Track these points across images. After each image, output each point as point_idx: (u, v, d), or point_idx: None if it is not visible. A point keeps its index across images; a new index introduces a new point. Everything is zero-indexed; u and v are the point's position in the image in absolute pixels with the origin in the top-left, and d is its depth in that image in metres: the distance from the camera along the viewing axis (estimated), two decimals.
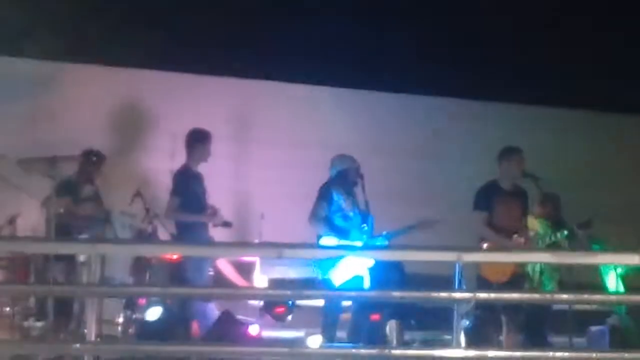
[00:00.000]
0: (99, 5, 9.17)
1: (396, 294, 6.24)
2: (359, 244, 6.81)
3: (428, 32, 9.61)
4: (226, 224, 7.28)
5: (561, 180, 7.69)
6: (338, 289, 6.61)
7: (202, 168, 7.26)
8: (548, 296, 6.35)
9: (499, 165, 6.89)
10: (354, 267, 6.62)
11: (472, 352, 6.15)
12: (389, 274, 6.58)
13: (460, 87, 9.32)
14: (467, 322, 6.38)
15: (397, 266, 6.71)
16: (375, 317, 6.65)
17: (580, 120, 9.71)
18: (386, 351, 6.15)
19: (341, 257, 6.43)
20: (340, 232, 6.89)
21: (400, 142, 9.15)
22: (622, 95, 9.43)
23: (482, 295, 6.21)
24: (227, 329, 6.58)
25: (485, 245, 6.41)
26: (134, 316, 6.87)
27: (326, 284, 6.73)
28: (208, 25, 9.19)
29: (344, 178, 7.07)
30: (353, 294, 6.43)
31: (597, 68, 9.62)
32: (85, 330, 6.05)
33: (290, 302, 6.91)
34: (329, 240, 6.86)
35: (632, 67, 9.36)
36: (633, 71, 9.42)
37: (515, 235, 6.64)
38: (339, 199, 6.96)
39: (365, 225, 6.87)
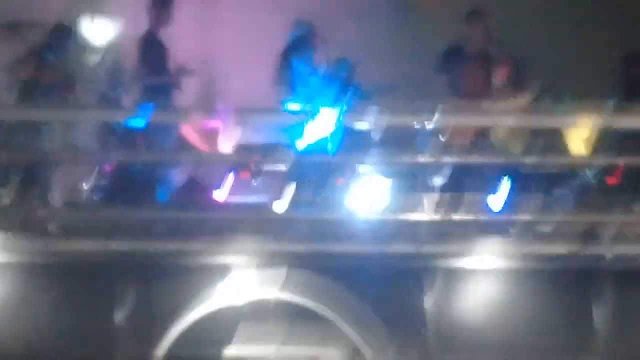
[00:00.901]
0: None
1: (359, 158, 6.35)
2: (324, 108, 6.76)
3: None
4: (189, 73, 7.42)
5: (529, 42, 7.59)
6: (303, 153, 6.68)
7: (167, 32, 7.21)
8: (512, 158, 6.49)
9: (465, 27, 6.84)
10: (318, 130, 6.63)
11: (436, 216, 6.37)
12: (353, 137, 6.58)
13: None
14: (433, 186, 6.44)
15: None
16: (339, 180, 6.74)
17: None
18: (351, 215, 6.37)
19: (306, 121, 6.47)
20: (303, 97, 6.88)
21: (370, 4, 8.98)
22: None
23: (447, 158, 6.34)
24: (192, 195, 6.76)
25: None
26: (100, 183, 6.95)
27: (291, 149, 6.77)
28: None
29: (302, 43, 7.07)
30: (317, 158, 6.57)
31: None
32: (51, 197, 6.47)
33: (255, 167, 6.95)
34: (292, 105, 6.90)
35: None
36: None
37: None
38: (298, 64, 6.96)
39: (332, 89, 6.87)
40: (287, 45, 7.21)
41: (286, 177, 6.90)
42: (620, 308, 6.41)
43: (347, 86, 7.09)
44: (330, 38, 7.26)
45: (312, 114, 6.66)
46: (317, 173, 6.91)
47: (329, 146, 6.77)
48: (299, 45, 7.16)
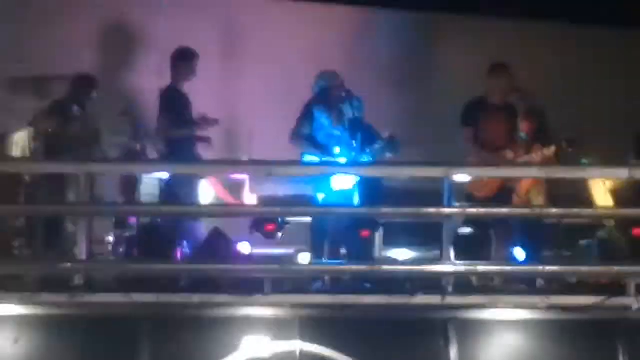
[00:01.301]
0: None
1: (386, 210, 6.46)
2: (343, 160, 7.01)
3: None
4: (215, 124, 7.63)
5: (552, 95, 7.82)
6: (327, 205, 6.82)
7: (190, 86, 7.42)
8: (537, 210, 6.61)
9: (487, 81, 7.06)
10: (342, 183, 6.82)
11: (461, 267, 6.43)
12: (375, 190, 6.70)
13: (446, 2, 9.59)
14: (457, 238, 6.60)
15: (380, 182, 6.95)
16: (364, 233, 6.88)
17: (567, 35, 9.85)
18: (376, 267, 6.45)
19: (331, 174, 6.58)
20: (324, 150, 7.05)
21: (389, 58, 9.36)
22: (603, 8, 9.63)
23: (472, 210, 6.49)
24: (216, 247, 6.91)
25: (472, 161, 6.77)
26: (124, 235, 7.14)
27: (315, 201, 6.98)
28: None
29: (326, 95, 7.22)
30: (342, 210, 6.72)
31: None
32: (76, 250, 6.47)
33: (279, 220, 7.11)
34: (310, 158, 7.08)
35: None
36: None
37: (508, 151, 6.83)
38: (321, 116, 7.10)
39: (354, 141, 7.03)
40: (312, 95, 7.35)
41: (311, 229, 7.05)
42: None
43: (363, 129, 7.25)
44: (353, 91, 7.43)
45: (336, 166, 6.81)
46: (342, 225, 7.02)
47: (354, 198, 6.95)
48: (323, 95, 7.27)
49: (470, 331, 6.46)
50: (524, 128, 7.19)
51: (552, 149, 6.91)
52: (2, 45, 8.42)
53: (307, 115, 7.16)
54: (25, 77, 7.44)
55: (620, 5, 9.71)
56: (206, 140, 7.66)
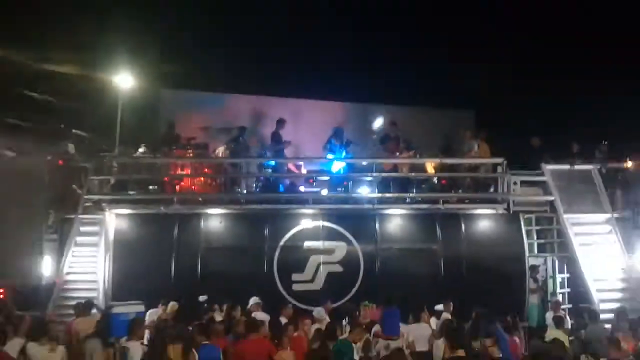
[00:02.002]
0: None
1: (352, 174, 13.57)
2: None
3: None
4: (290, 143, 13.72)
5: None
6: (333, 173, 13.81)
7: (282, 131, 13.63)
8: (403, 175, 13.85)
9: (388, 127, 14.01)
10: (338, 165, 13.53)
11: (379, 195, 13.26)
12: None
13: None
14: None
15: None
16: (345, 183, 13.47)
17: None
18: (349, 195, 13.31)
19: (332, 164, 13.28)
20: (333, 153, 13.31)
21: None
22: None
23: (381, 174, 13.57)
24: (292, 188, 13.59)
25: None
26: (258, 185, 13.47)
27: (330, 172, 13.67)
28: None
29: (336, 135, 13.25)
30: (338, 175, 13.73)
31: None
32: (243, 190, 13.37)
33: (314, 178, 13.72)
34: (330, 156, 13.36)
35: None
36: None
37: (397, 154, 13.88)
38: (333, 144, 13.19)
39: (344, 151, 13.27)
40: (330, 136, 13.41)
41: (327, 182, 13.48)
42: (445, 228, 12.46)
43: (343, 143, 13.08)
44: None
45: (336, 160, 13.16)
46: (339, 180, 13.09)
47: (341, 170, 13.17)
48: (335, 136, 13.31)
49: (384, 218, 12.41)
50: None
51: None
52: (214, 117, 15.77)
53: (327, 144, 13.14)
54: (223, 127, 14.33)
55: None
56: (289, 142, 13.42)
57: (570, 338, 9.27)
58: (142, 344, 8.09)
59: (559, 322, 9.68)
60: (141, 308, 9.10)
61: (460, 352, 6.16)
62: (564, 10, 17.87)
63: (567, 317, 10.74)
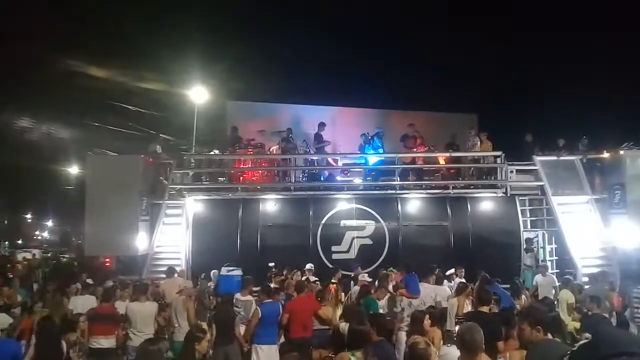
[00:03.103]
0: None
1: (379, 167, 13.51)
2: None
3: None
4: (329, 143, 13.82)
5: None
6: (368, 166, 13.83)
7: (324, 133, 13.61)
8: (428, 166, 13.70)
9: (407, 128, 13.78)
10: (372, 160, 13.64)
11: (402, 182, 13.38)
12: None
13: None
14: None
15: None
16: (373, 173, 13.48)
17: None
18: (377, 182, 13.34)
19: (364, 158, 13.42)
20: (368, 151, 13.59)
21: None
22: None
23: (406, 166, 13.50)
24: (331, 178, 13.70)
25: None
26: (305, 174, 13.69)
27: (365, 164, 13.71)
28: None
29: (375, 137, 13.21)
30: (366, 167, 13.70)
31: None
32: (293, 180, 13.36)
33: (349, 170, 13.79)
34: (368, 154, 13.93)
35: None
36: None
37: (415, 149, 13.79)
38: (370, 144, 13.09)
39: (381, 149, 13.09)
40: (368, 137, 13.25)
41: (362, 174, 13.23)
42: (454, 209, 12.53)
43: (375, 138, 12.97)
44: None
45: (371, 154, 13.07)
46: (367, 171, 12.96)
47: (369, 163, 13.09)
48: (374, 137, 13.17)
49: (405, 201, 12.35)
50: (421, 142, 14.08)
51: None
52: (266, 125, 15.33)
53: (365, 143, 13.10)
54: (274, 131, 14.10)
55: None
56: (328, 142, 13.59)
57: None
58: (252, 296, 8.34)
59: (566, 282, 9.67)
60: (239, 272, 9.32)
61: (485, 308, 6.13)
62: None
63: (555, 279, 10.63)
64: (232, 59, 17.95)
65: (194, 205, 12.59)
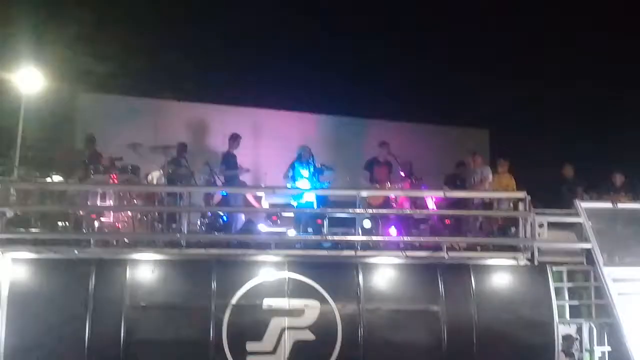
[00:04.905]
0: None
1: (328, 210, 13.18)
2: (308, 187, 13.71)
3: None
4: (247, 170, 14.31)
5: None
6: (301, 207, 13.55)
7: (237, 151, 14.24)
8: (399, 211, 13.50)
9: (378, 149, 13.97)
10: (309, 197, 13.54)
11: (364, 238, 12.94)
12: (324, 201, 13.55)
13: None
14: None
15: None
16: (319, 221, 13.21)
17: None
18: (324, 237, 12.91)
19: (302, 194, 13.52)
20: (296, 181, 13.81)
21: (337, 143, 16.99)
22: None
23: (370, 210, 13.13)
24: (249, 227, 13.44)
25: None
26: (205, 221, 13.55)
27: (297, 205, 13.61)
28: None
29: (301, 157, 13.90)
30: (307, 210, 13.49)
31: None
32: (181, 227, 12.66)
33: (278, 214, 13.49)
34: (301, 184, 13.75)
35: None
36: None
37: (387, 183, 13.72)
38: (298, 167, 13.80)
39: (315, 178, 13.78)
40: (294, 158, 14.00)
41: (294, 219, 13.34)
42: (450, 284, 12.86)
43: (315, 169, 13.66)
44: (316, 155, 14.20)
45: (303, 189, 13.51)
46: (309, 217, 13.39)
47: (314, 204, 13.45)
48: (298, 158, 13.91)
49: (369, 268, 12.39)
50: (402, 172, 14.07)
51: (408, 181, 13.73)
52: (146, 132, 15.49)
53: (291, 167, 13.82)
54: (157, 145, 13.68)
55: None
56: (247, 170, 14.17)
57: None
58: None
59: None
60: None
61: None
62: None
63: None
64: (91, 27, 17.37)
65: (13, 268, 12.06)
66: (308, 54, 17.91)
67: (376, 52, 18.82)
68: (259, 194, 14.14)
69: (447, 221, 13.48)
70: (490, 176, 13.69)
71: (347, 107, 17.41)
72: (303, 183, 13.99)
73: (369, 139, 16.09)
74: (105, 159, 13.79)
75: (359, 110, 17.39)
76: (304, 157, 14.06)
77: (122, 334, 11.77)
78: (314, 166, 13.92)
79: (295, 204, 13.78)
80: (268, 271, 12.43)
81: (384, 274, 12.68)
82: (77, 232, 12.76)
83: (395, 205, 13.75)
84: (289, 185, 13.89)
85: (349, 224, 13.03)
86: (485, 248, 13.13)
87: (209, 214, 13.84)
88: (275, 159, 15.69)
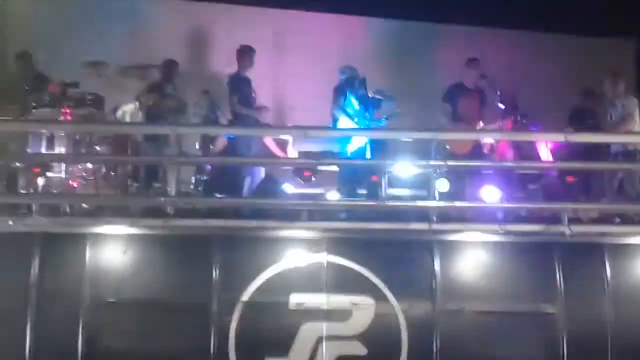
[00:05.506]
0: None
1: (388, 162, 12.22)
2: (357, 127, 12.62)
3: None
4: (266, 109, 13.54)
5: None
6: (348, 158, 12.57)
7: (250, 73, 13.40)
8: (497, 163, 12.67)
9: (464, 70, 12.93)
10: (359, 142, 12.59)
11: (443, 203, 12.16)
12: (381, 147, 12.50)
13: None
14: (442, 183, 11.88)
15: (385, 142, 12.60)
16: (374, 178, 12.39)
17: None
18: (382, 203, 12.16)
19: (349, 137, 12.42)
20: (351, 117, 12.95)
21: (398, 60, 16.49)
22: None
23: (452, 163, 12.12)
24: (269, 187, 12.48)
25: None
26: (202, 178, 12.72)
27: (341, 155, 12.57)
28: None
29: (351, 82, 13.07)
30: (358, 162, 12.58)
31: None
32: (168, 188, 12.17)
33: (312, 168, 12.74)
34: (344, 122, 12.86)
35: None
36: None
37: (480, 122, 12.54)
38: (350, 96, 12.93)
39: (367, 113, 12.87)
40: (340, 81, 13.25)
41: (337, 175, 12.46)
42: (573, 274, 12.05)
43: (367, 99, 13.08)
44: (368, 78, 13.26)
45: (353, 130, 12.59)
46: (359, 172, 12.54)
47: (367, 153, 12.53)
48: (349, 82, 13.21)
49: (449, 249, 11.89)
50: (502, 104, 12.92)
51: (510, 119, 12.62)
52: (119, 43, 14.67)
53: (337, 96, 13.17)
54: (131, 65, 13.43)
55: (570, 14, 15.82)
56: (266, 108, 13.50)
57: None
58: None
59: None
60: None
61: None
62: None
63: None
64: None
65: None
66: None
67: None
68: (284, 137, 13.83)
69: (569, 178, 12.97)
70: (638, 111, 13.05)
71: (413, 5, 16.71)
72: (347, 121, 13.44)
73: (448, 55, 15.70)
74: (53, 85, 13.19)
75: (431, 11, 16.67)
76: (350, 81, 13.48)
77: (79, 342, 11.60)
78: (366, 95, 13.45)
79: (338, 152, 13.23)
80: (297, 253, 12.06)
81: (472, 258, 12.32)
82: (12, 194, 12.52)
83: (490, 155, 13.27)
84: (330, 125, 13.35)
85: (419, 183, 12.89)
86: (627, 220, 12.60)
87: (209, 166, 13.34)
88: (307, 84, 15.70)
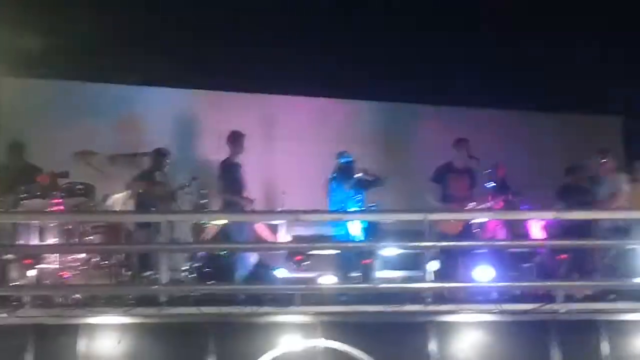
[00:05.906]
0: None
1: (380, 244, 12.55)
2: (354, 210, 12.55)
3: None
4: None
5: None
6: (335, 241, 12.60)
7: (241, 159, 13.30)
8: (490, 242, 12.80)
9: (453, 151, 12.91)
10: (354, 227, 12.48)
11: (437, 285, 12.26)
12: (373, 231, 12.48)
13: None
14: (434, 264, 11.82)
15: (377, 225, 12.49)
16: (366, 261, 12.41)
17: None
18: (374, 286, 12.19)
19: (344, 222, 12.35)
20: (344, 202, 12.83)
21: (387, 141, 16.64)
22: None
23: (443, 243, 12.17)
24: (261, 273, 12.50)
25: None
26: (194, 265, 12.64)
27: (330, 238, 12.54)
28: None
29: (346, 169, 13.10)
30: (351, 245, 12.51)
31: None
32: (159, 276, 12.02)
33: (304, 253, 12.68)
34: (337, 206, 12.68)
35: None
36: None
37: (474, 203, 12.51)
38: (341, 184, 12.96)
39: (359, 196, 12.80)
40: (336, 167, 13.32)
41: (335, 259, 12.40)
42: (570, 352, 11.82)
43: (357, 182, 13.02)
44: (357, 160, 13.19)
45: (345, 214, 12.50)
46: (352, 256, 12.45)
47: (360, 236, 12.46)
48: (344, 169, 13.27)
49: (444, 330, 11.71)
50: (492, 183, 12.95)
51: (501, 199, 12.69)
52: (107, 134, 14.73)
53: (333, 183, 13.36)
54: (121, 153, 13.30)
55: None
56: (251, 200, 13.32)
57: None
58: None
59: None
60: None
61: None
62: None
63: None
64: None
65: None
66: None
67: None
68: (275, 222, 13.58)
69: (562, 256, 12.88)
70: (626, 187, 13.01)
71: (400, 89, 16.87)
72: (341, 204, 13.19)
73: (436, 136, 15.73)
74: (43, 175, 13.12)
75: (420, 93, 16.83)
76: (346, 167, 13.49)
77: None
78: (358, 179, 13.41)
79: (331, 235, 13.22)
80: (293, 338, 11.92)
81: (468, 338, 12.14)
82: (3, 286, 12.31)
83: (482, 235, 13.15)
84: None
85: (412, 264, 12.82)
86: (622, 296, 12.49)
87: (201, 254, 13.20)
88: (298, 168, 15.64)
